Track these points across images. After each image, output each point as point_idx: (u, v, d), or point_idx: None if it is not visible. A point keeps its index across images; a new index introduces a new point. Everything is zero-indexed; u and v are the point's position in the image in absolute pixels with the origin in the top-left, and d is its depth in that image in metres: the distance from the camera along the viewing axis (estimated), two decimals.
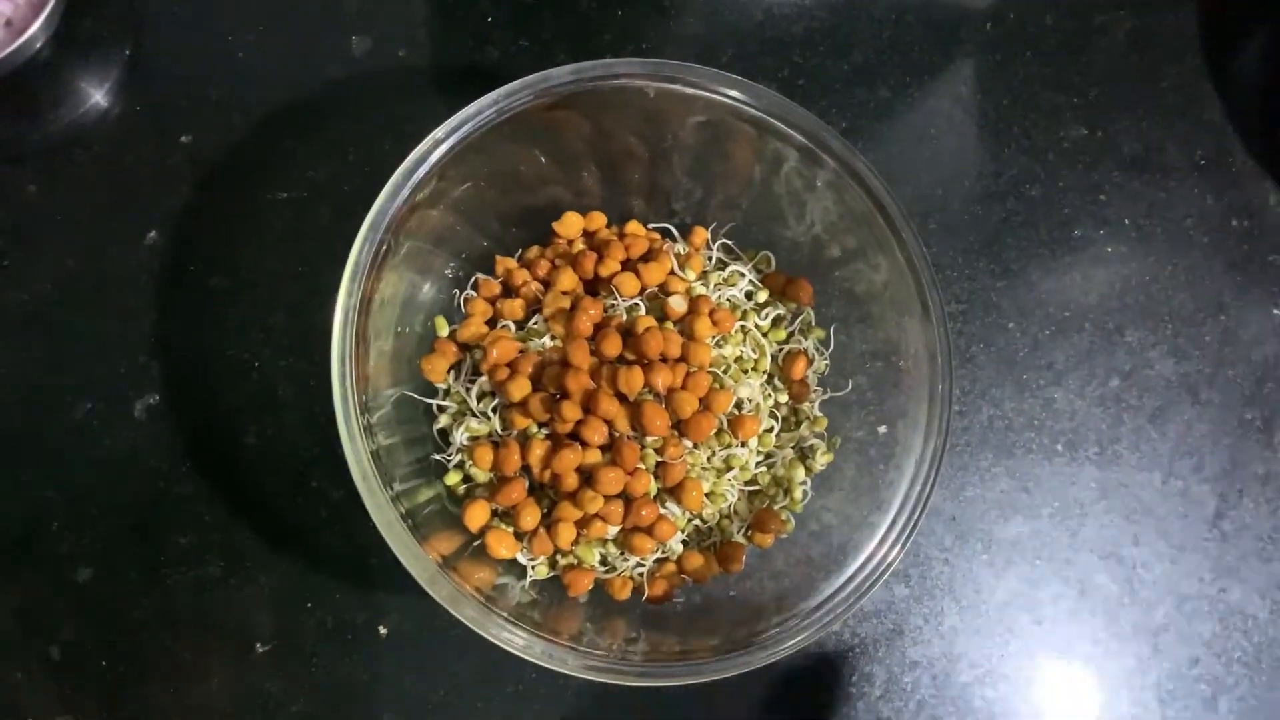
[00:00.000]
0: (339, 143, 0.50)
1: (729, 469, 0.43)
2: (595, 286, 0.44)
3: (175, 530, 0.45)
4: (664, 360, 0.41)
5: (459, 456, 0.43)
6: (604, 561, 0.42)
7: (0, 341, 0.47)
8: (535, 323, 0.44)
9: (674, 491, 0.41)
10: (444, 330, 0.44)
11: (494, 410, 0.42)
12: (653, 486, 0.42)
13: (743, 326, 0.45)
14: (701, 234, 0.47)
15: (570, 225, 0.45)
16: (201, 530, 0.45)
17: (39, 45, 0.49)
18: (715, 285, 0.45)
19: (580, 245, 0.45)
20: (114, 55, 0.51)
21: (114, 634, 0.44)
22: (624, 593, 0.41)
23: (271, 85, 0.51)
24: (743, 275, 0.46)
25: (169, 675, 0.44)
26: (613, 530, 0.41)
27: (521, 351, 0.42)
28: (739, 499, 0.44)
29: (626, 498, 0.41)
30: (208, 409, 0.47)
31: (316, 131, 0.51)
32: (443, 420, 0.43)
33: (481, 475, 0.42)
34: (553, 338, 0.42)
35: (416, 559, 0.36)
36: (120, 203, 0.49)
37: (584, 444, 0.40)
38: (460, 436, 0.42)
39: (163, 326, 0.48)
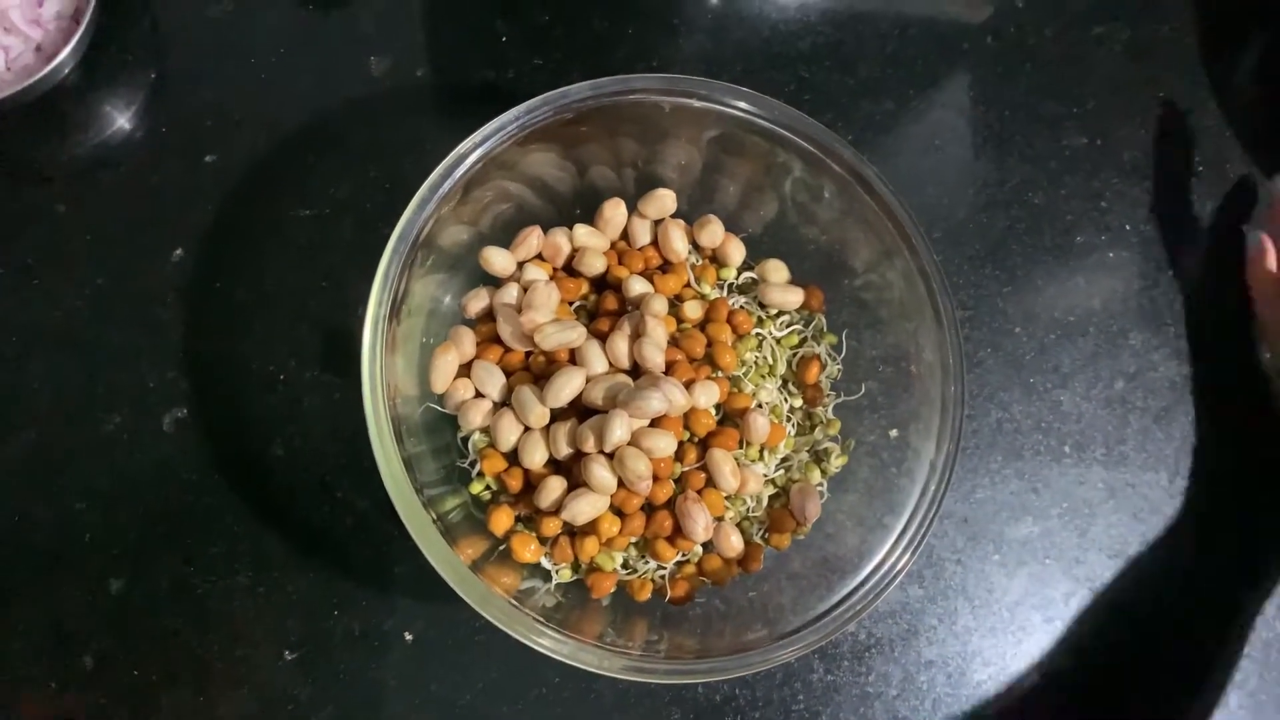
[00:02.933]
0: (360, 160, 0.52)
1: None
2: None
3: (204, 540, 0.46)
4: (692, 362, 0.43)
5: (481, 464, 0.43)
6: (626, 564, 0.43)
7: (32, 357, 0.48)
8: None
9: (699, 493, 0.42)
10: None
11: None
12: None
13: (758, 333, 0.46)
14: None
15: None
16: (230, 540, 0.46)
17: (67, 70, 0.50)
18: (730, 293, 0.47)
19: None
20: (139, 78, 0.53)
21: (146, 643, 0.45)
22: (644, 594, 0.42)
23: (293, 105, 0.53)
24: (755, 283, 0.47)
25: (200, 683, 0.45)
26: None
27: None
28: (756, 503, 0.45)
29: (649, 507, 0.42)
30: (235, 421, 0.48)
31: (338, 149, 0.52)
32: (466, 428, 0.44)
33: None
34: None
35: (448, 561, 0.36)
36: (147, 221, 0.50)
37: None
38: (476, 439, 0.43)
39: (190, 341, 0.49)
